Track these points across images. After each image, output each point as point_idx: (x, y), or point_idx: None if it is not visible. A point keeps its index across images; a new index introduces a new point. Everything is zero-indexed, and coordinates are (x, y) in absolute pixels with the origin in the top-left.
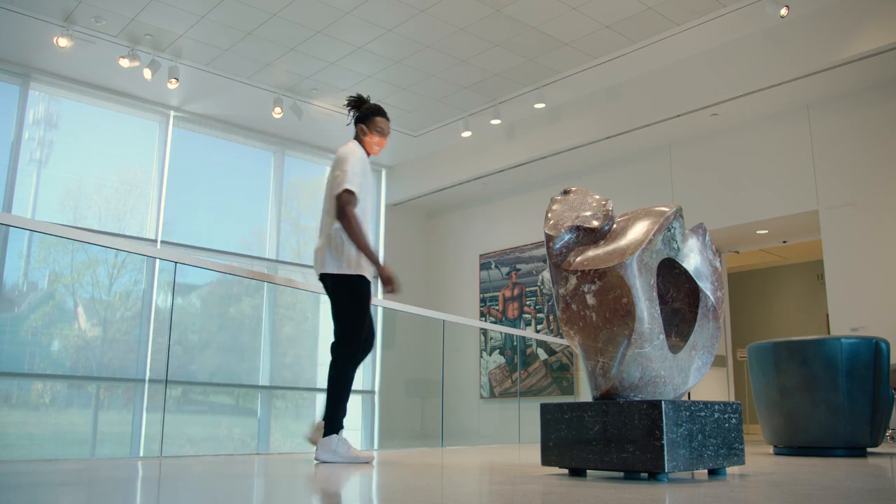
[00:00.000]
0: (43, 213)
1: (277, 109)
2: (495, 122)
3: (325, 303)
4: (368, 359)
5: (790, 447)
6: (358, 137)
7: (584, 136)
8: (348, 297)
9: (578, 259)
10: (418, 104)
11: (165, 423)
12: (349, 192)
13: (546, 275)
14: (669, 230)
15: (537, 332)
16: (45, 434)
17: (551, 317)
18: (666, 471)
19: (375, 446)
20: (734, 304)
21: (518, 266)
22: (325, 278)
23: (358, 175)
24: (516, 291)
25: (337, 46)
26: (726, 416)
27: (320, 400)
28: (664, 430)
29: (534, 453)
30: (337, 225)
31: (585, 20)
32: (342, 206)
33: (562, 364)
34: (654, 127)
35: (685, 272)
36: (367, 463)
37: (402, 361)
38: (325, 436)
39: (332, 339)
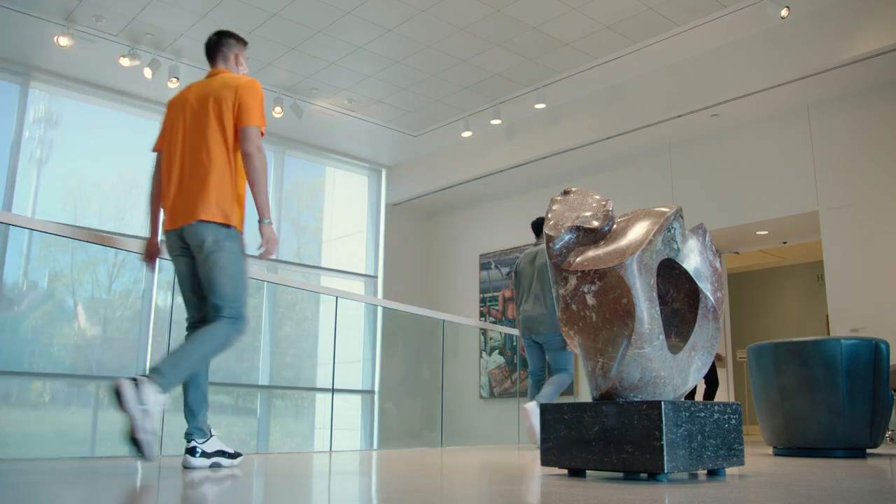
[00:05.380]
0: (43, 211)
1: (277, 109)
2: (495, 122)
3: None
4: (369, 358)
5: (790, 448)
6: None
7: (584, 136)
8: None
9: (578, 259)
10: (418, 104)
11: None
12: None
13: None
14: (669, 231)
15: None
16: (44, 433)
17: None
18: (665, 471)
19: (375, 446)
20: (734, 305)
21: None
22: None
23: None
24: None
25: (337, 46)
26: (726, 416)
27: (320, 399)
28: (664, 430)
29: (533, 453)
30: None
31: (585, 20)
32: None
33: None
34: (654, 127)
35: (685, 273)
36: None
37: (402, 361)
38: None
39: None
